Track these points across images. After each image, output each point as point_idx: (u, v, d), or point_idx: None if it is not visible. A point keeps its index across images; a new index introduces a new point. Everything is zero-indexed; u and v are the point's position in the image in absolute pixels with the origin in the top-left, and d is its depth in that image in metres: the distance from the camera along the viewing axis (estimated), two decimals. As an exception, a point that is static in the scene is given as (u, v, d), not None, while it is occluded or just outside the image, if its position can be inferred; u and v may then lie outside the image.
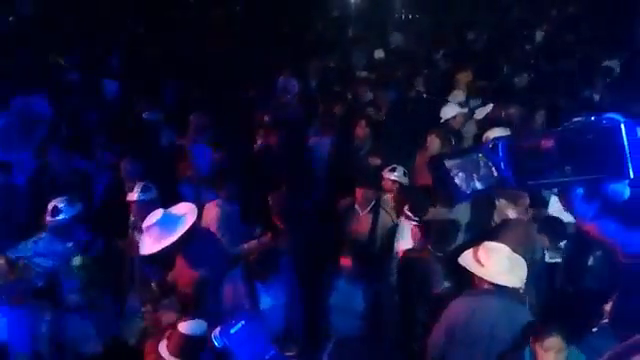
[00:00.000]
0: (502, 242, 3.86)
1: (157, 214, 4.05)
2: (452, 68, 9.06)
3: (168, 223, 4.01)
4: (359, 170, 5.93)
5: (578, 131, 0.96)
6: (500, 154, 1.00)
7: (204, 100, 7.88)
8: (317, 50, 10.52)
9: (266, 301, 4.14)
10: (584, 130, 0.96)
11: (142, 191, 4.82)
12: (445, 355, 3.76)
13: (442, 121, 6.54)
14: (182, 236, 3.98)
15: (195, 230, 4.15)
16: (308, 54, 10.18)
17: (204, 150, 6.30)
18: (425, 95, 8.16)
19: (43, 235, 4.46)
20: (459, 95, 7.66)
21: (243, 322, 1.87)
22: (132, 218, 5.01)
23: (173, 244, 3.97)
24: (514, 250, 3.80)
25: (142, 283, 4.72)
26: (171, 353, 2.80)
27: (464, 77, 8.31)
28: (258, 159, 6.38)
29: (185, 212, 4.16)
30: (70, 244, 4.45)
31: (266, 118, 7.16)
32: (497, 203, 4.87)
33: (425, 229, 4.62)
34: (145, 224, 4.08)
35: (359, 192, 5.18)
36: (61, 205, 4.46)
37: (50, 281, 4.37)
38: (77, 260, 4.33)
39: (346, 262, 4.37)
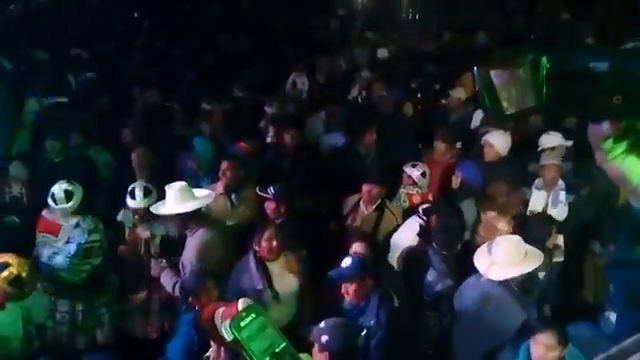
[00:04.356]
0: None
1: (180, 184, 4.36)
2: (457, 68, 9.07)
3: (186, 195, 4.28)
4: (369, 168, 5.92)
5: (637, 56, 0.82)
6: (543, 72, 0.87)
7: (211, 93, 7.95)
8: (325, 48, 10.56)
9: (282, 285, 4.23)
10: None
11: (145, 196, 4.85)
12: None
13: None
14: (193, 214, 4.24)
15: (205, 217, 4.39)
16: (317, 52, 10.24)
17: (206, 142, 6.41)
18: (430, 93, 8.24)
19: (75, 219, 4.61)
20: (460, 92, 7.70)
21: (254, 315, 1.91)
22: (135, 217, 5.05)
23: (184, 216, 4.25)
24: None
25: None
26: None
27: (467, 78, 8.33)
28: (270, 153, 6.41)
29: (203, 194, 4.49)
30: (90, 216, 4.72)
31: (271, 112, 7.21)
32: (484, 216, 4.86)
33: (430, 227, 4.59)
34: (167, 187, 4.34)
35: (366, 188, 5.11)
36: (71, 188, 4.61)
37: (104, 257, 4.69)
38: (101, 225, 4.69)
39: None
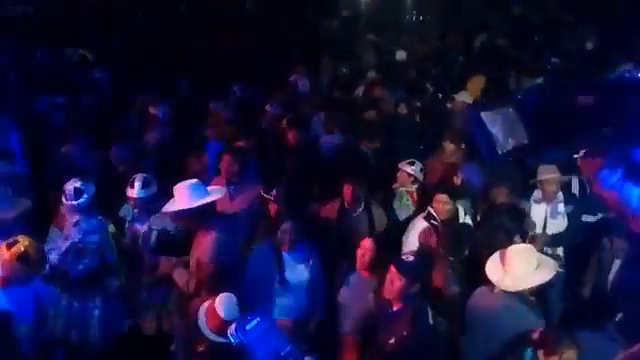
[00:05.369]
0: None
1: (191, 180, 4.31)
2: (464, 70, 9.07)
3: (198, 191, 4.23)
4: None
5: (622, 87, 0.80)
6: (529, 108, 0.84)
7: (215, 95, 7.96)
8: (328, 49, 10.58)
9: (293, 275, 4.36)
10: (630, 87, 0.80)
11: (143, 187, 4.83)
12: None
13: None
14: (205, 208, 4.18)
15: (216, 211, 4.39)
16: (319, 53, 10.25)
17: (216, 145, 6.35)
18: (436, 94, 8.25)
19: (78, 217, 4.57)
20: (465, 96, 7.67)
21: (259, 319, 1.92)
22: (135, 211, 5.02)
23: (196, 210, 4.15)
24: None
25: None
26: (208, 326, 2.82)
27: (476, 81, 8.32)
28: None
29: (215, 190, 4.47)
30: (100, 217, 4.65)
31: (273, 112, 7.21)
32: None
33: (438, 232, 4.53)
34: (177, 186, 4.28)
35: (348, 189, 5.02)
36: (81, 186, 4.59)
37: (101, 259, 4.58)
38: (111, 227, 4.65)
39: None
